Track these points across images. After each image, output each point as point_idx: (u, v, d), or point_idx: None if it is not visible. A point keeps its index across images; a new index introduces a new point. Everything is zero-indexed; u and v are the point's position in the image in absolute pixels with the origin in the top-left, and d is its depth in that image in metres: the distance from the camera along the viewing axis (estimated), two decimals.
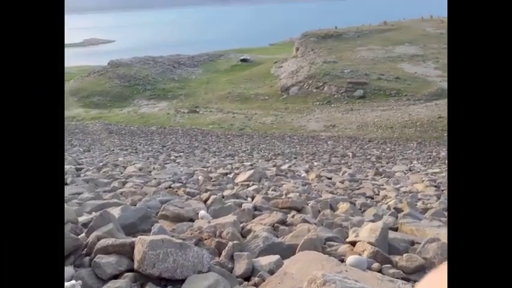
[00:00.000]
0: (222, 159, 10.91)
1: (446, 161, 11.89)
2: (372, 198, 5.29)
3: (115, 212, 2.64)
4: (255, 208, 3.57)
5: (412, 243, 2.55)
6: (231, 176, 6.67)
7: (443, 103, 24.34)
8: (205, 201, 3.86)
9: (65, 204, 2.60)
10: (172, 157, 10.89)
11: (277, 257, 2.10)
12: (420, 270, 2.09)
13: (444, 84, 27.08)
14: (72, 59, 48.61)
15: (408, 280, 1.95)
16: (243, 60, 45.96)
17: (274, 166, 8.88)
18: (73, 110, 29.63)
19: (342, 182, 6.67)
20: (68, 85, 34.42)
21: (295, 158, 12.34)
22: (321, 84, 30.06)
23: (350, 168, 9.50)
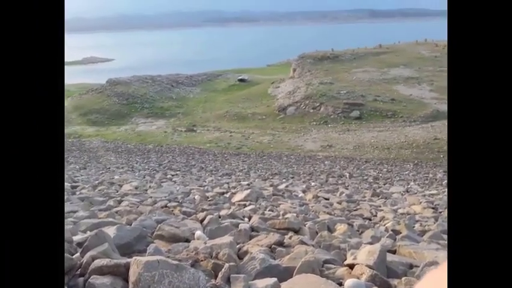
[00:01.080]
0: (219, 178, 10.86)
1: (444, 182, 11.90)
2: (370, 219, 5.26)
3: (110, 231, 2.60)
4: (252, 228, 3.53)
5: (410, 266, 2.52)
6: (227, 195, 6.62)
7: (439, 125, 24.60)
8: (201, 221, 3.82)
9: None
10: (168, 176, 10.83)
11: (274, 279, 2.06)
12: None
13: (440, 107, 27.45)
14: (71, 77, 48.96)
15: None
16: (241, 80, 46.52)
17: (271, 186, 8.84)
18: (70, 128, 29.61)
19: (339, 202, 6.64)
20: (66, 102, 34.50)
21: (293, 177, 12.31)
22: (317, 104, 30.39)
23: (347, 188, 9.47)
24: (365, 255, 2.37)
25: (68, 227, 2.96)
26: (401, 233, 3.94)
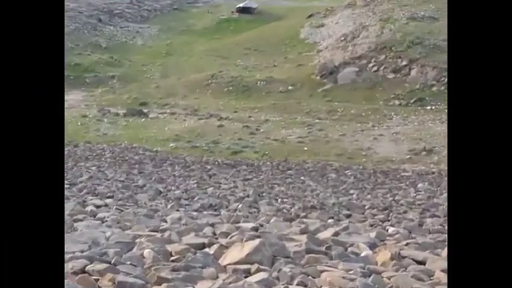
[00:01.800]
0: (194, 214, 10.92)
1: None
2: None
3: None
4: None
5: None
6: (211, 250, 6.66)
7: None
8: None
9: None
10: (89, 208, 10.93)
11: None
12: None
13: None
14: None
15: None
16: (243, 9, 46.81)
17: (303, 233, 8.85)
18: None
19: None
20: None
21: (349, 216, 12.31)
22: (404, 63, 30.42)
23: None
24: None
25: None
26: None
